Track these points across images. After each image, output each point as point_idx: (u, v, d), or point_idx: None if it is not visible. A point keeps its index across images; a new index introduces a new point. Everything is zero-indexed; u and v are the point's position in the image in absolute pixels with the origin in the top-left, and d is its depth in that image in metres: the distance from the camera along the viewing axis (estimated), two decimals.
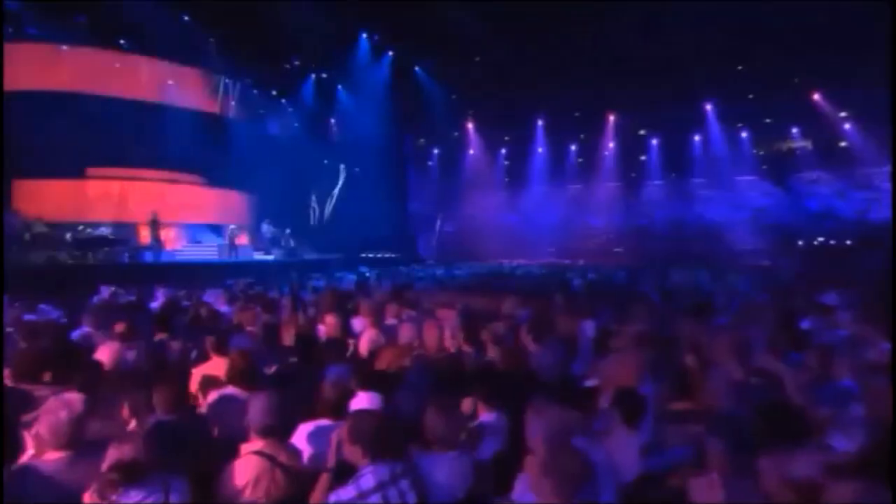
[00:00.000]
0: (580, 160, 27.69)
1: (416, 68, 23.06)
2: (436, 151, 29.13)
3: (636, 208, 25.82)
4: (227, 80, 21.21)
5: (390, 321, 6.54)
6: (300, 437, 3.18)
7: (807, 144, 23.62)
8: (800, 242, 20.75)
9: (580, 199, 27.53)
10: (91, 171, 18.18)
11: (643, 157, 26.63)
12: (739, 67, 19.69)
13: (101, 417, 3.05)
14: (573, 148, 27.68)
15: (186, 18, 18.63)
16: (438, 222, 27.76)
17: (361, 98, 23.16)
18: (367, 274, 12.03)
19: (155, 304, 9.03)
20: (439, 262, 21.29)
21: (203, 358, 4.84)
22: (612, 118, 25.75)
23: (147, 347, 5.18)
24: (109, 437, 2.65)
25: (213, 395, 3.74)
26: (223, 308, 8.26)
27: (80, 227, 16.25)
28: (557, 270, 16.29)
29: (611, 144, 26.67)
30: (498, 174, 28.51)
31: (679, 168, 25.41)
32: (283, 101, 23.29)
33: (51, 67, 17.53)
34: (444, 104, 24.20)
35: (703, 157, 25.02)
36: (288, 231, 20.80)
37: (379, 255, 22.64)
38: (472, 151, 28.44)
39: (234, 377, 3.83)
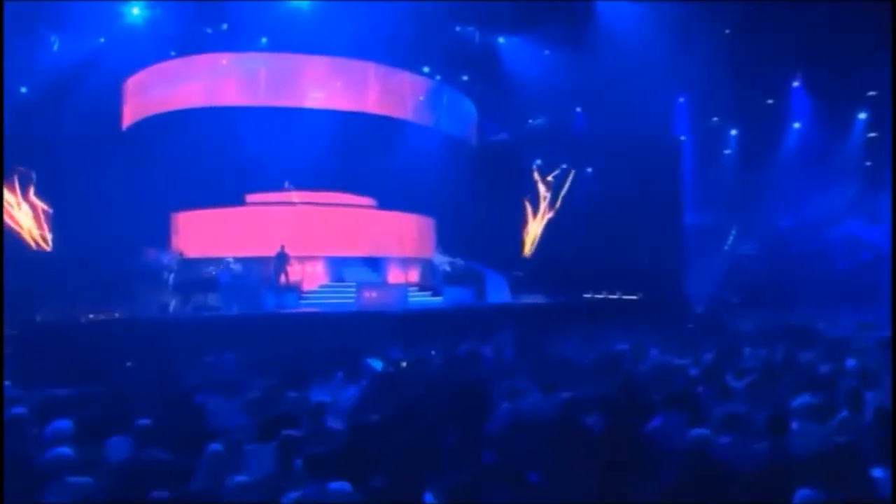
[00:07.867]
0: None
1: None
2: (734, 133, 18.97)
3: None
4: (404, 71, 16.64)
5: None
6: None
7: None
8: None
9: None
10: (250, 198, 15.91)
11: None
12: None
13: None
14: None
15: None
16: (731, 239, 17.69)
17: (604, 71, 15.80)
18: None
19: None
20: (712, 323, 11.99)
21: None
22: None
23: None
24: None
25: None
26: None
27: (210, 267, 13.72)
28: None
29: None
30: (846, 157, 16.72)
31: None
32: (483, 87, 17.55)
33: (209, 82, 15.87)
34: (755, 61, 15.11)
35: None
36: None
37: (607, 297, 14.72)
38: (797, 125, 17.44)
39: None
